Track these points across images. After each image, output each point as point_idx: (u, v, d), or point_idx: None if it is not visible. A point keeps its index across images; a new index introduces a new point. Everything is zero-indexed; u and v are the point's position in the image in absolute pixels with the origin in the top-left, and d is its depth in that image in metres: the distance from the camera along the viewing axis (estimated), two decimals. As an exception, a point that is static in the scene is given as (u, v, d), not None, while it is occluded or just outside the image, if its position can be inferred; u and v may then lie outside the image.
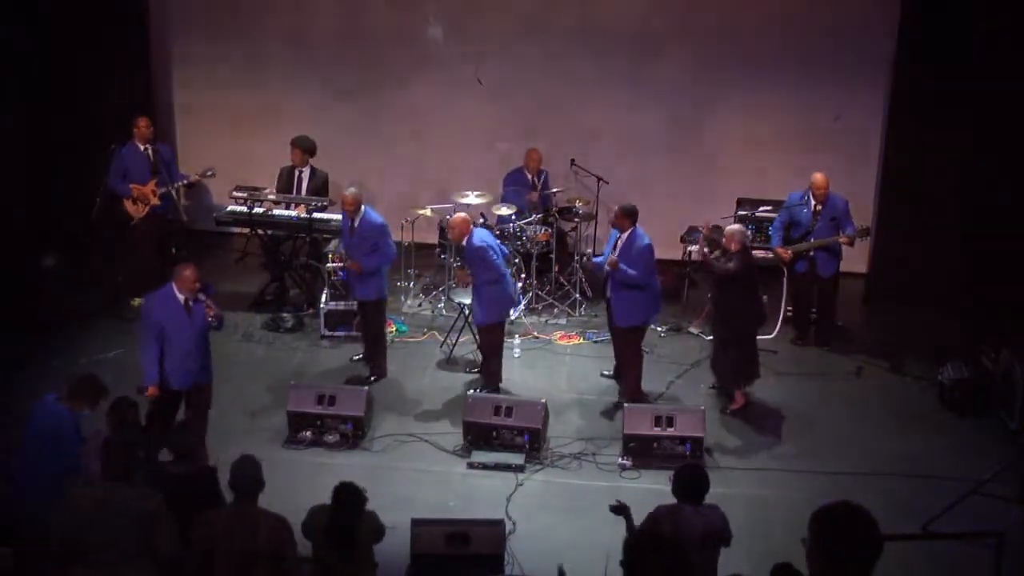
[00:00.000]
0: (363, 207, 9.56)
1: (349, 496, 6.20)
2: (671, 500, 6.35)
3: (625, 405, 8.93)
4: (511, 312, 10.16)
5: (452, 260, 10.88)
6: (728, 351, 9.31)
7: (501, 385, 9.61)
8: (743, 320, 9.20)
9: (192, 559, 5.83)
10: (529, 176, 11.72)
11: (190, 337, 7.87)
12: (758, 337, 9.65)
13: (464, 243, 9.32)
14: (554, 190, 11.56)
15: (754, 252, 9.80)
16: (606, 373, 9.81)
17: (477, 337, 9.85)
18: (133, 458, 5.98)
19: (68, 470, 6.62)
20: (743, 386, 9.40)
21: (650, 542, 4.27)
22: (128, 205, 11.10)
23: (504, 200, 11.39)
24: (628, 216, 9.25)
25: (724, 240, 9.30)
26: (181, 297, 7.81)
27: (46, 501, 6.37)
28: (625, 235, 9.21)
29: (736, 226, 9.48)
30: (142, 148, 11.11)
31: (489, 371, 9.55)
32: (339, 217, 10.79)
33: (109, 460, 5.92)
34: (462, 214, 9.57)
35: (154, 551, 5.79)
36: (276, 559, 5.75)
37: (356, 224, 9.55)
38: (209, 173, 11.47)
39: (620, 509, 6.24)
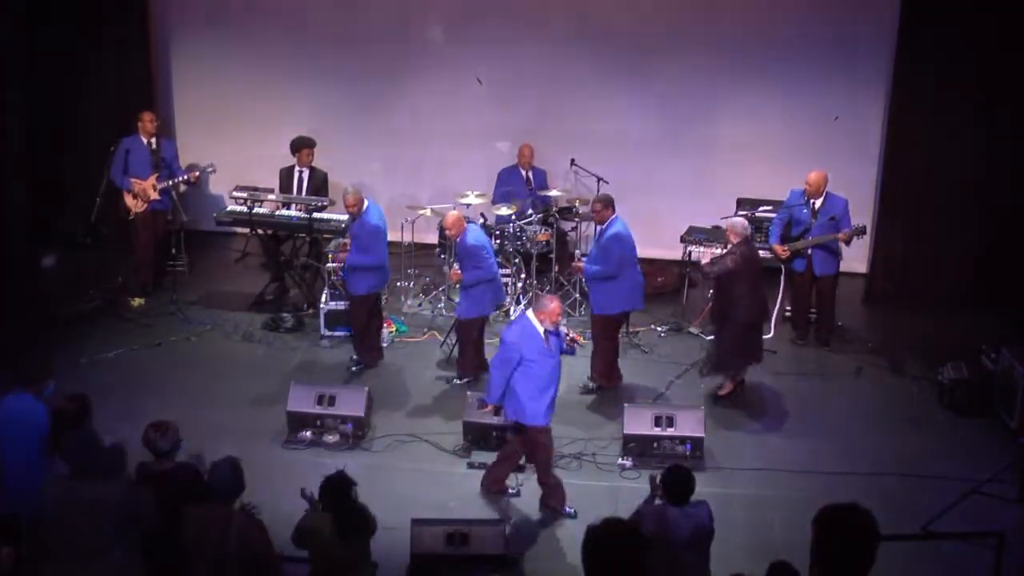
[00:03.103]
0: (367, 204, 9.56)
1: (337, 487, 6.18)
2: (649, 499, 6.39)
3: (625, 405, 8.91)
4: (508, 310, 10.38)
5: (452, 260, 10.87)
6: (726, 337, 9.35)
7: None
8: (744, 310, 9.20)
9: (173, 557, 5.81)
10: (523, 172, 11.73)
11: (550, 369, 7.65)
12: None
13: (458, 240, 9.37)
14: (552, 193, 11.52)
15: (752, 253, 9.79)
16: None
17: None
18: (97, 452, 5.93)
19: (41, 460, 6.58)
20: (737, 369, 9.44)
21: (612, 531, 4.20)
22: (127, 199, 11.14)
23: (495, 199, 11.40)
24: (608, 206, 9.34)
25: (726, 232, 9.38)
26: (541, 328, 7.60)
27: (31, 498, 6.35)
28: (603, 227, 9.37)
29: (736, 218, 9.54)
30: (145, 142, 11.14)
31: (463, 359, 9.63)
32: (339, 217, 10.86)
33: (72, 455, 5.88)
34: (455, 212, 9.61)
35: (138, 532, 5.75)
36: (247, 561, 5.71)
37: (355, 221, 9.58)
38: (209, 169, 11.50)
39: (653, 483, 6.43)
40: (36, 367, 6.91)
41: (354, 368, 9.89)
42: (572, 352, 8.08)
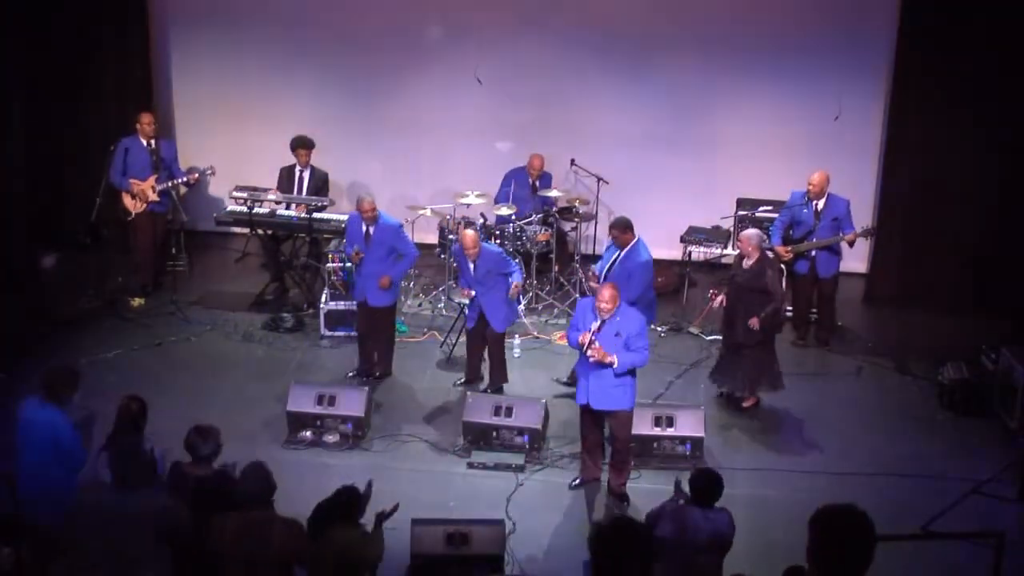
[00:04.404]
0: (378, 211, 9.58)
1: (340, 497, 6.20)
2: (672, 500, 6.38)
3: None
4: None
5: (451, 260, 10.88)
6: (743, 356, 9.22)
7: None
8: (774, 321, 9.11)
9: (207, 561, 5.81)
10: (530, 179, 11.72)
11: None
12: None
13: (480, 256, 9.23)
14: (552, 193, 11.51)
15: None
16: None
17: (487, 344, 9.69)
18: (144, 463, 5.94)
19: (74, 469, 6.59)
20: (762, 392, 9.36)
21: (620, 529, 4.20)
22: (126, 200, 11.13)
23: (498, 199, 11.40)
24: (628, 230, 9.17)
25: (740, 244, 9.26)
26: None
27: (54, 504, 6.34)
28: (625, 250, 9.15)
29: (751, 231, 9.35)
30: (144, 143, 11.14)
31: (501, 373, 9.58)
32: (339, 217, 10.85)
33: (119, 465, 5.88)
34: (470, 230, 9.46)
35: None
36: (287, 566, 5.73)
37: (372, 229, 9.51)
38: (209, 172, 11.50)
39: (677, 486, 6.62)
40: (63, 379, 6.86)
41: (368, 377, 9.79)
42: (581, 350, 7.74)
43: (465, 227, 10.16)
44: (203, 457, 6.43)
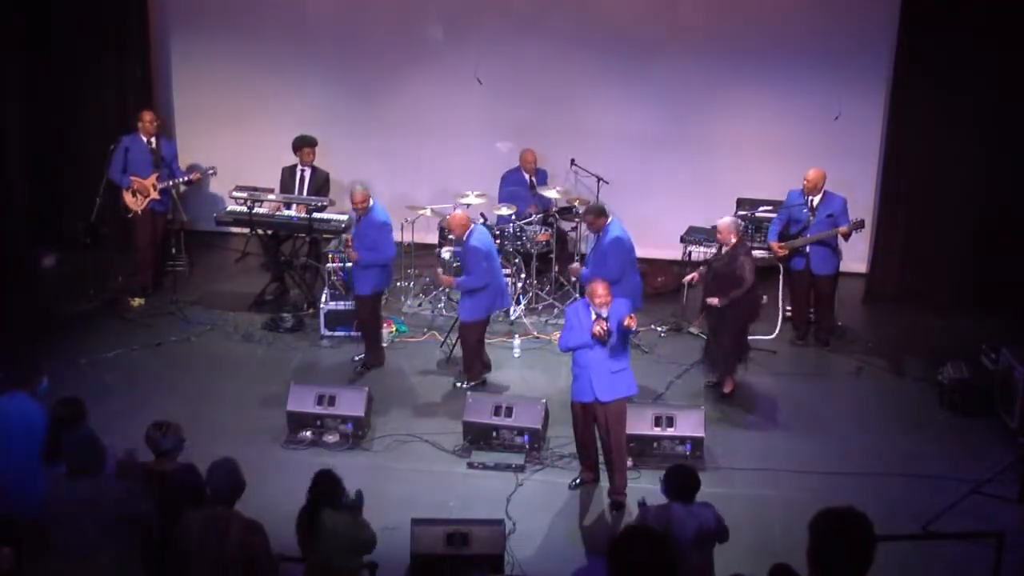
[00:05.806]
0: (372, 203, 9.57)
1: (320, 484, 6.19)
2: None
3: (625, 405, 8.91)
4: (508, 310, 10.44)
5: (452, 260, 10.88)
6: (721, 338, 9.41)
7: (503, 384, 9.67)
8: (738, 310, 9.25)
9: (172, 559, 5.81)
10: (527, 176, 11.74)
11: (584, 349, 7.75)
12: (758, 337, 9.72)
13: (464, 243, 9.39)
14: (553, 193, 11.51)
15: (752, 251, 9.83)
16: None
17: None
18: (97, 451, 5.94)
19: (40, 460, 6.56)
20: (734, 372, 9.49)
21: (636, 536, 4.19)
22: (127, 197, 11.13)
23: (500, 200, 11.42)
24: (600, 215, 9.36)
25: (719, 234, 9.36)
26: (593, 309, 7.68)
27: (32, 498, 6.33)
28: (599, 234, 9.40)
29: (727, 218, 9.52)
30: (145, 141, 11.14)
31: (465, 364, 9.63)
32: (340, 217, 10.94)
33: (72, 453, 5.88)
34: (460, 212, 9.62)
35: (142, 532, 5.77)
36: (247, 564, 5.71)
37: (361, 220, 9.58)
38: (211, 172, 11.51)
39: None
40: (26, 366, 6.87)
41: (359, 369, 9.86)
42: (600, 341, 7.66)
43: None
44: (165, 452, 6.40)
